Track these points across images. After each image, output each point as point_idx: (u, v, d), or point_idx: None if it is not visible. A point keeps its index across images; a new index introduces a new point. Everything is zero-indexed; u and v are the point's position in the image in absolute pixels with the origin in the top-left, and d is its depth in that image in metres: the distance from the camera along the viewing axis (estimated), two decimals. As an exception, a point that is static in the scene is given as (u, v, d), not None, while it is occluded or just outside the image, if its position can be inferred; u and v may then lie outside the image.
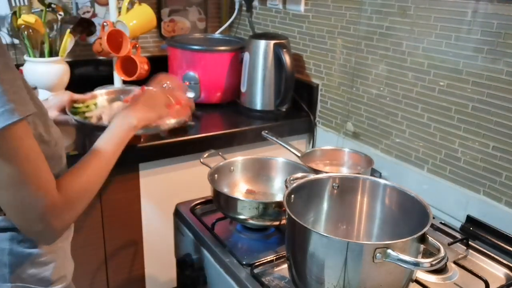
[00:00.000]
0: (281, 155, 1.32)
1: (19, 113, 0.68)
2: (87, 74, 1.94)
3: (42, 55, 1.68)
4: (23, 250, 0.85)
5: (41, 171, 0.75)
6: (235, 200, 1.11)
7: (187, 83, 1.77)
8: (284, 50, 1.63)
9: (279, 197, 1.23)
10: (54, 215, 0.77)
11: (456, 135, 1.26)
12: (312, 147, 1.77)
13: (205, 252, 1.13)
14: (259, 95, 1.71)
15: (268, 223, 1.12)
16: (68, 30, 1.69)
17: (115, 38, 1.74)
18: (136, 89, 1.40)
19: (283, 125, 1.69)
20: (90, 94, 1.37)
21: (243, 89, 1.75)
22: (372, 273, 0.80)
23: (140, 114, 1.05)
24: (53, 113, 1.20)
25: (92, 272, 1.52)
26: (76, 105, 1.29)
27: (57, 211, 0.77)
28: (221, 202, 1.14)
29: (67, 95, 1.26)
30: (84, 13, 1.90)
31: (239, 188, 1.27)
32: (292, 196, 0.95)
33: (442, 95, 1.28)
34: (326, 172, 1.30)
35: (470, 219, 1.21)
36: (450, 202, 1.29)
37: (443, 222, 1.24)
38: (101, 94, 1.40)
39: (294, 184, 0.97)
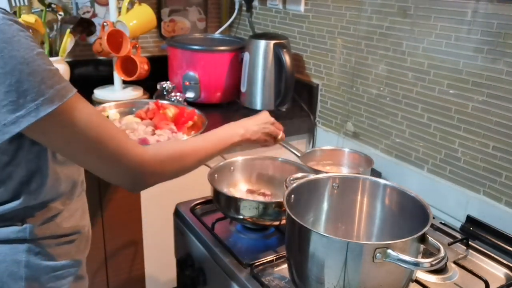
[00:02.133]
0: (281, 155, 1.32)
1: (59, 98, 0.70)
2: (87, 74, 1.94)
3: (42, 55, 1.67)
4: (41, 262, 0.83)
5: (114, 130, 0.77)
6: (235, 200, 1.11)
7: (187, 83, 1.77)
8: (284, 50, 1.63)
9: (279, 197, 1.22)
10: (141, 166, 0.79)
11: (456, 135, 1.26)
12: (312, 147, 1.77)
13: (205, 252, 1.13)
14: (259, 95, 1.71)
15: (268, 223, 1.12)
16: (68, 30, 1.69)
17: (115, 38, 1.74)
18: (150, 103, 1.37)
19: (283, 125, 1.68)
20: (101, 107, 1.33)
21: (243, 89, 1.75)
22: (372, 273, 0.80)
23: (248, 127, 1.09)
24: None
25: (92, 272, 1.52)
26: None
27: (142, 163, 0.79)
28: (221, 202, 1.14)
29: None
30: (84, 13, 1.90)
31: (239, 188, 1.27)
32: (292, 196, 0.95)
33: (442, 95, 1.28)
34: (326, 172, 1.30)
35: (470, 219, 1.21)
36: (450, 202, 1.29)
37: (443, 222, 1.24)
38: (110, 107, 1.35)
39: (294, 184, 0.97)
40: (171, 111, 1.31)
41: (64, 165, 0.83)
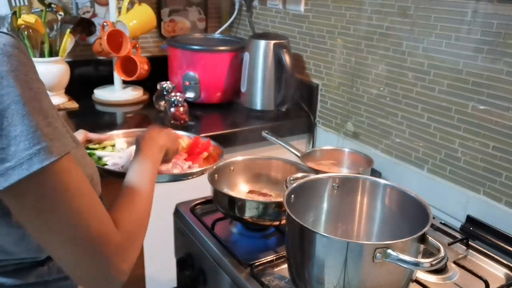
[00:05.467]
0: (281, 155, 1.32)
1: (57, 151, 0.59)
2: (87, 74, 1.94)
3: (42, 55, 1.68)
4: None
5: (98, 204, 0.66)
6: (235, 200, 1.11)
7: (187, 83, 1.77)
8: (284, 50, 1.63)
9: (279, 197, 1.22)
10: (120, 255, 0.67)
11: (456, 135, 1.26)
12: (312, 147, 1.77)
13: (205, 252, 1.13)
14: (259, 95, 1.71)
15: (268, 223, 1.12)
16: (68, 30, 1.69)
17: (115, 38, 1.74)
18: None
19: (283, 125, 1.69)
20: (108, 134, 1.24)
21: (243, 89, 1.75)
22: (372, 273, 0.80)
23: (162, 137, 0.99)
24: None
25: (92, 272, 1.51)
26: (91, 145, 1.18)
27: (122, 250, 0.68)
28: (221, 202, 1.14)
29: (82, 134, 1.16)
30: (84, 13, 1.90)
31: (239, 188, 1.27)
32: (292, 196, 0.95)
33: (442, 95, 1.28)
34: (326, 172, 1.30)
35: (470, 219, 1.21)
36: (450, 202, 1.29)
37: (443, 222, 1.24)
38: (118, 135, 1.25)
39: (294, 184, 0.97)
40: (184, 141, 1.23)
41: None
